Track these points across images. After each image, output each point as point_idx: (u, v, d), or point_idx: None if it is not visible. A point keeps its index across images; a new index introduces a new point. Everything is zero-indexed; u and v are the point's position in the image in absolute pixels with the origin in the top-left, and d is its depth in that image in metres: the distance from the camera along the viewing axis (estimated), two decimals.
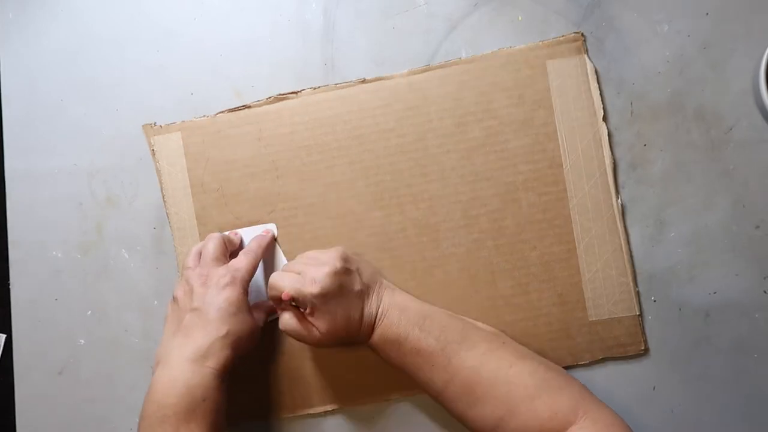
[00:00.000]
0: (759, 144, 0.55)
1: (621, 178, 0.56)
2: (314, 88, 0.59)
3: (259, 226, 0.58)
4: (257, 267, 0.55)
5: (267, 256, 0.58)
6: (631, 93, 0.57)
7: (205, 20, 0.61)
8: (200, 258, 0.54)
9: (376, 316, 0.52)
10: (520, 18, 0.58)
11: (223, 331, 0.48)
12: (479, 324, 0.55)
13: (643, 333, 0.55)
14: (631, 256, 0.56)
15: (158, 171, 0.60)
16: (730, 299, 0.55)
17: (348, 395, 0.57)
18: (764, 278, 0.55)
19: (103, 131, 0.61)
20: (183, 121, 0.60)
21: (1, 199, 0.62)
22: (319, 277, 0.50)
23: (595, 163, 0.56)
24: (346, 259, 0.52)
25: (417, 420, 0.57)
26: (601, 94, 0.56)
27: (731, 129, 0.56)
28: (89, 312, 0.61)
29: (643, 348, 0.55)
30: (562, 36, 0.57)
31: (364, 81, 0.58)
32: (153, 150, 0.60)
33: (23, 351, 0.61)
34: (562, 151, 0.56)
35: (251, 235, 0.58)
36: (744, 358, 0.55)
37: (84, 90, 0.62)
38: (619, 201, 0.56)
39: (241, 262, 0.53)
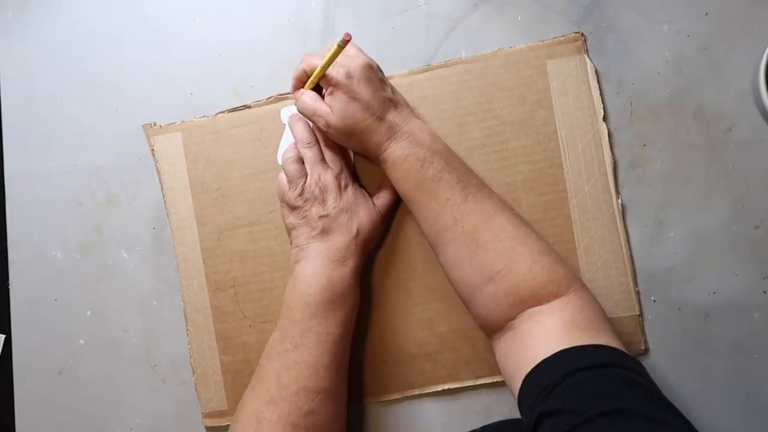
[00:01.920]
0: (759, 144, 0.55)
1: (621, 178, 0.56)
2: None
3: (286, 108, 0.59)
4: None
5: None
6: (631, 93, 0.57)
7: (205, 20, 0.61)
8: (295, 169, 0.54)
9: (399, 128, 0.52)
10: (520, 18, 0.58)
11: (354, 231, 0.53)
12: None
13: (643, 333, 0.55)
14: (631, 256, 0.56)
15: (158, 171, 0.60)
16: (730, 299, 0.55)
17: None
18: (764, 278, 0.55)
19: (103, 131, 0.61)
20: (183, 121, 0.60)
21: (1, 199, 0.62)
22: (351, 64, 0.51)
23: (595, 163, 0.56)
24: (380, 71, 0.53)
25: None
26: (601, 94, 0.56)
27: (731, 129, 0.56)
28: (89, 312, 0.61)
29: (643, 348, 0.55)
30: (562, 36, 0.57)
31: None
32: (153, 150, 0.60)
33: (23, 351, 0.61)
34: (562, 151, 0.56)
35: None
36: (744, 358, 0.55)
37: (84, 90, 0.62)
38: (619, 201, 0.56)
39: (338, 159, 0.55)
